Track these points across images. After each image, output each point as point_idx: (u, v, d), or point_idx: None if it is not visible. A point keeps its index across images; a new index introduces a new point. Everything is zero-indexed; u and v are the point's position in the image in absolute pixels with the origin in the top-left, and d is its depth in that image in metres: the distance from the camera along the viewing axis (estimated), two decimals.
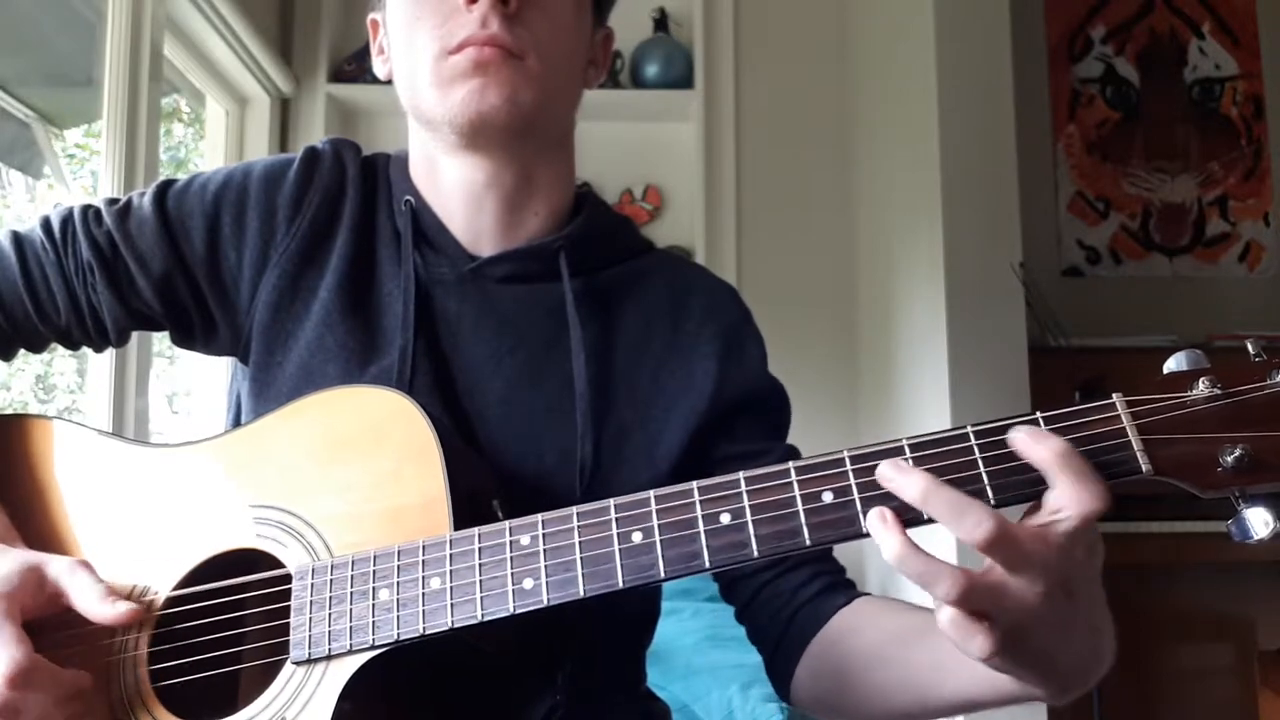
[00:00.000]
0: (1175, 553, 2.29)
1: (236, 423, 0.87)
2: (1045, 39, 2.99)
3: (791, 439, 0.90)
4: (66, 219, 0.83)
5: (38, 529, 0.73)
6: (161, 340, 0.89)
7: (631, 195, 2.86)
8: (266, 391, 0.81)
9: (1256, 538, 0.54)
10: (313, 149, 0.87)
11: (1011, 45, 2.21)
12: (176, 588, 0.69)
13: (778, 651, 0.81)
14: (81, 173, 2.06)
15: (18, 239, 0.82)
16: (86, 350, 0.88)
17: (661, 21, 2.84)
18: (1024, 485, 0.56)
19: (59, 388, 1.98)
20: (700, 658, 1.99)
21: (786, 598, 0.80)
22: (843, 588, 0.80)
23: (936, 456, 0.57)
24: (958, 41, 2.21)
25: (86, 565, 0.66)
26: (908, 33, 2.39)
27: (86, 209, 0.83)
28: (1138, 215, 2.95)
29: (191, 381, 2.49)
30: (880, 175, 2.69)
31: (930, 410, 2.23)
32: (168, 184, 0.85)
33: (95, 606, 0.64)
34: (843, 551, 0.74)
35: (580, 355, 0.80)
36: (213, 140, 2.56)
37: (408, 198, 0.84)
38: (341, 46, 2.78)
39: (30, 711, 0.61)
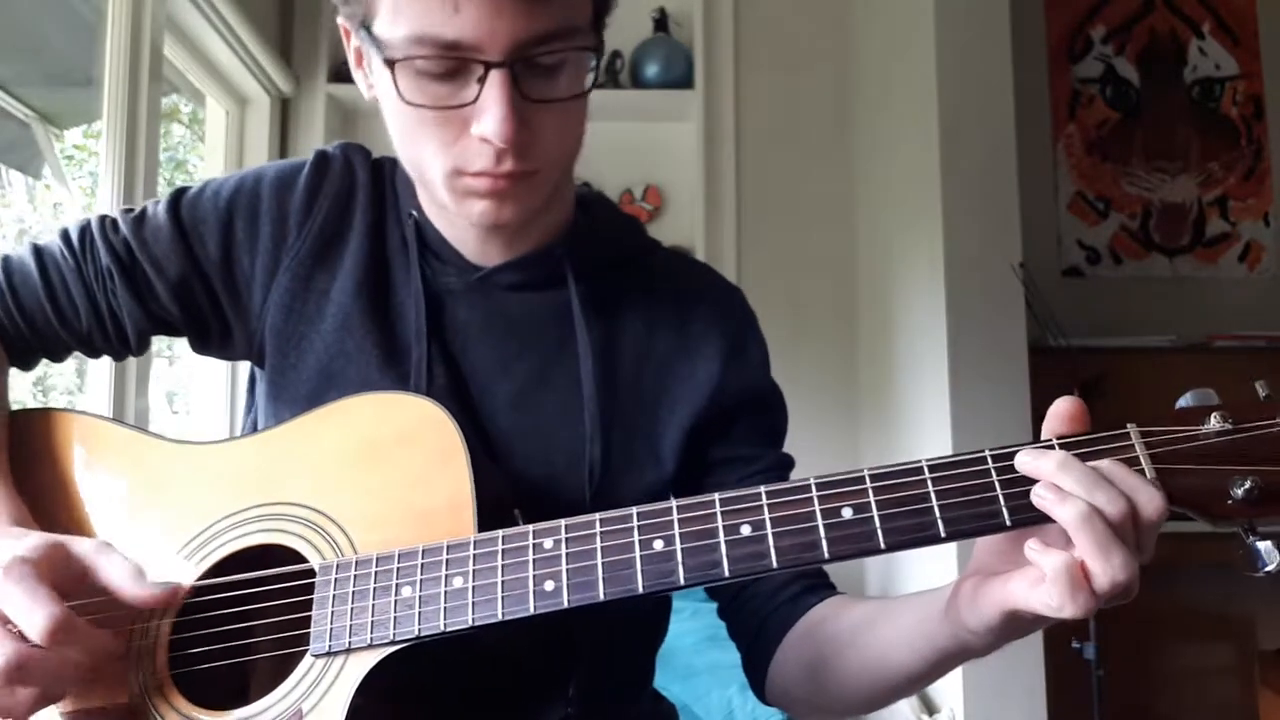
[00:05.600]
0: (1175, 553, 2.28)
1: (254, 425, 0.88)
2: (1045, 39, 2.99)
3: (792, 438, 0.90)
4: (84, 229, 0.84)
5: (62, 522, 0.73)
6: (161, 340, 0.90)
7: (631, 195, 2.86)
8: (283, 394, 0.82)
9: (1264, 570, 0.56)
10: (323, 153, 0.87)
11: (1011, 45, 2.22)
12: (201, 579, 0.70)
13: (753, 647, 0.83)
14: (81, 173, 2.07)
15: (37, 250, 0.84)
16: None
17: (661, 21, 2.85)
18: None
19: (56, 388, 1.98)
20: (700, 658, 1.99)
21: (765, 597, 0.81)
22: (819, 589, 0.81)
23: (954, 478, 0.59)
24: (958, 42, 2.21)
25: (112, 547, 0.65)
26: (908, 33, 2.39)
27: (104, 219, 0.85)
28: (1138, 215, 2.95)
29: (191, 381, 2.49)
30: (880, 175, 2.69)
31: (930, 410, 2.23)
32: (181, 191, 0.86)
33: (128, 585, 0.63)
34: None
35: (587, 359, 0.81)
36: (213, 140, 2.56)
37: (411, 212, 0.84)
38: (341, 46, 2.78)
39: (68, 667, 0.60)
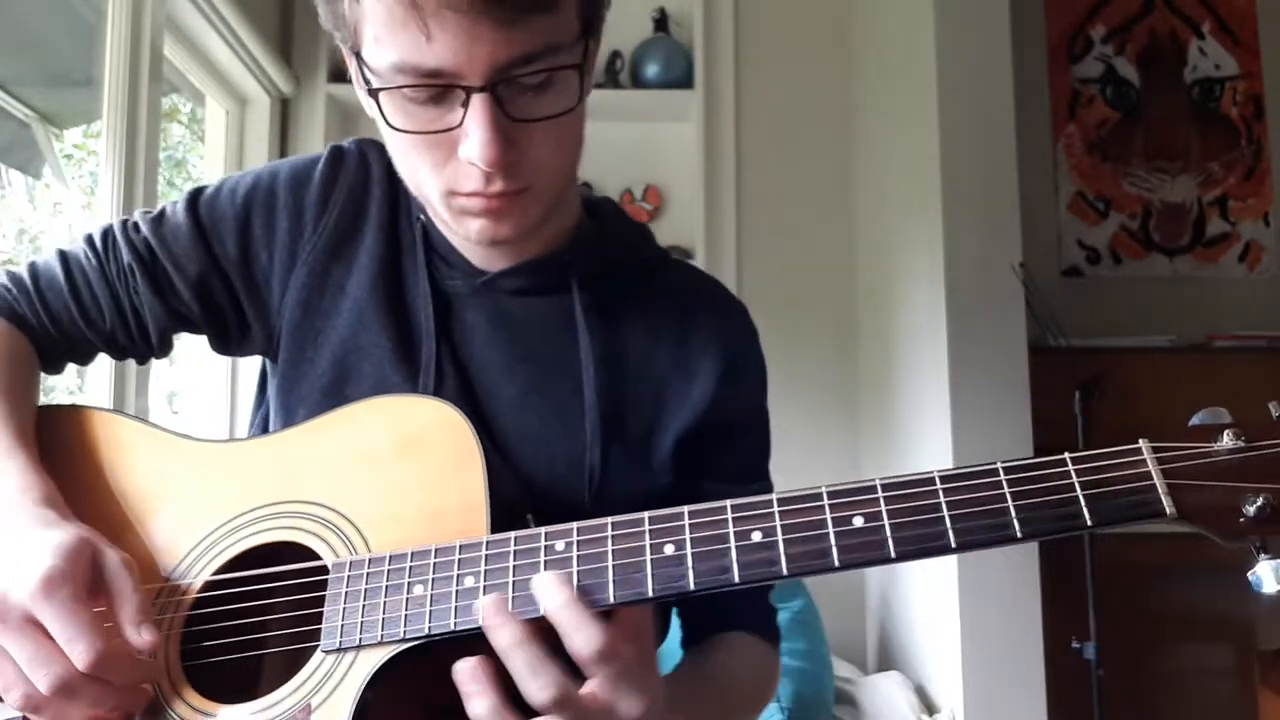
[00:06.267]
0: (1175, 553, 2.29)
1: (265, 419, 0.89)
2: (1045, 39, 2.99)
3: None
4: (107, 231, 0.86)
5: (82, 517, 0.73)
6: None
7: (631, 195, 2.86)
8: (298, 388, 0.82)
9: (1273, 590, 0.57)
10: (338, 148, 0.88)
11: (1011, 45, 2.22)
12: (215, 574, 0.71)
13: (693, 628, 0.89)
14: (81, 173, 2.07)
15: (62, 254, 0.86)
16: None
17: (661, 21, 2.85)
18: (1052, 520, 0.58)
19: (56, 387, 1.98)
20: None
21: (716, 610, 0.86)
22: (754, 626, 0.88)
23: (966, 489, 0.59)
24: (958, 42, 2.21)
25: (131, 568, 0.65)
26: (908, 32, 2.39)
27: (125, 221, 0.87)
28: (1138, 215, 2.95)
29: (191, 381, 2.49)
30: (880, 175, 2.69)
31: (930, 410, 2.23)
32: (199, 190, 0.87)
33: (126, 627, 0.63)
34: None
35: (589, 366, 0.81)
36: (212, 140, 2.56)
37: (419, 216, 0.85)
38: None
39: (98, 698, 0.61)
